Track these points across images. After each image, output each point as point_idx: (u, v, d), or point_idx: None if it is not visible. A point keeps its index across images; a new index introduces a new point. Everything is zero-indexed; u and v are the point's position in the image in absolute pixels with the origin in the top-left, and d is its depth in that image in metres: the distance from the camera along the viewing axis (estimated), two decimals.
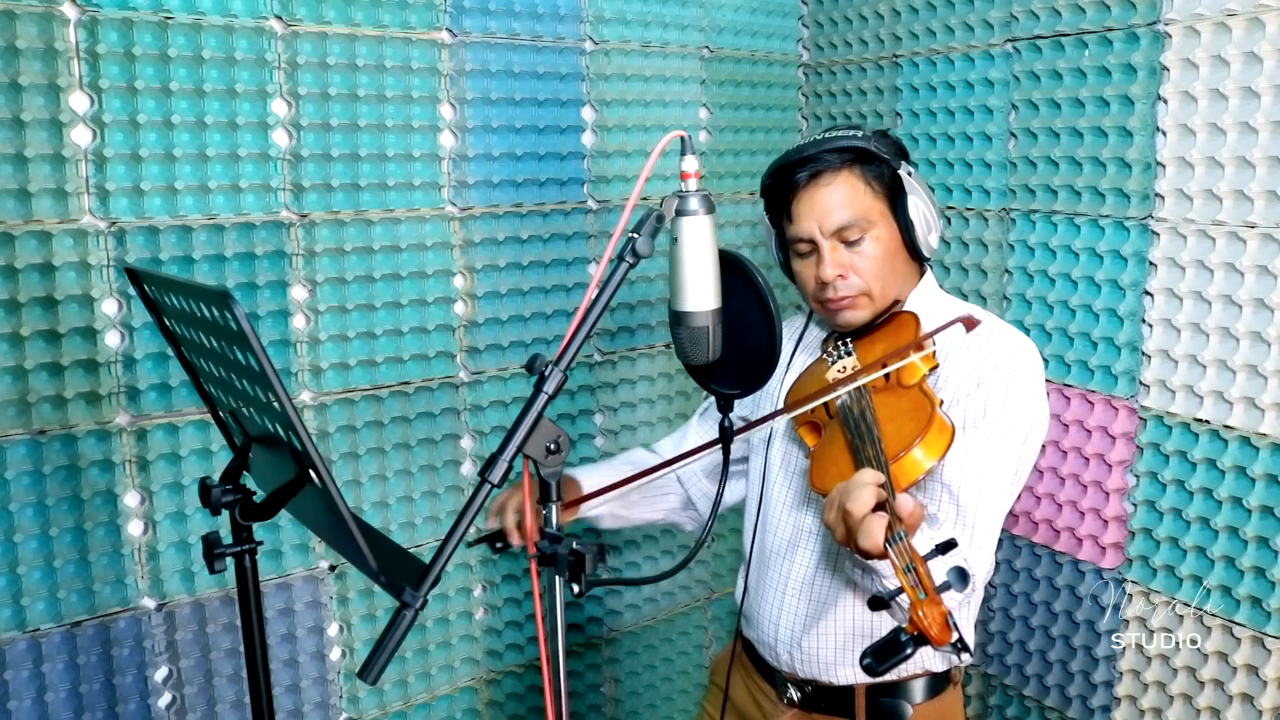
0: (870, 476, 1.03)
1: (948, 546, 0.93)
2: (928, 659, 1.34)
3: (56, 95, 1.40)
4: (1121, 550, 1.68)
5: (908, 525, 0.98)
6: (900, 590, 0.91)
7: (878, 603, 0.94)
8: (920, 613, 0.87)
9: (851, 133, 1.33)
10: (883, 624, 1.32)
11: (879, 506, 0.99)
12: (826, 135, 1.33)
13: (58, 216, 1.43)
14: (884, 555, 0.96)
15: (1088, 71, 1.67)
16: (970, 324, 1.25)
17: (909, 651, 0.87)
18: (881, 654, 0.88)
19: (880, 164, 1.32)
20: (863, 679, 1.35)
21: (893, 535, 0.95)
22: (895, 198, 1.33)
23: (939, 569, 0.93)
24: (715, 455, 1.55)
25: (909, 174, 1.33)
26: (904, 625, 0.89)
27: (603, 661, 2.16)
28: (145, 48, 1.46)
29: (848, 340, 1.37)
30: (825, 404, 1.27)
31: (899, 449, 1.12)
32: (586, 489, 1.49)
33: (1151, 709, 1.66)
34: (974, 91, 1.88)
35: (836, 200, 1.31)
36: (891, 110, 2.07)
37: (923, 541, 1.01)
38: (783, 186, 1.35)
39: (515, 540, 1.39)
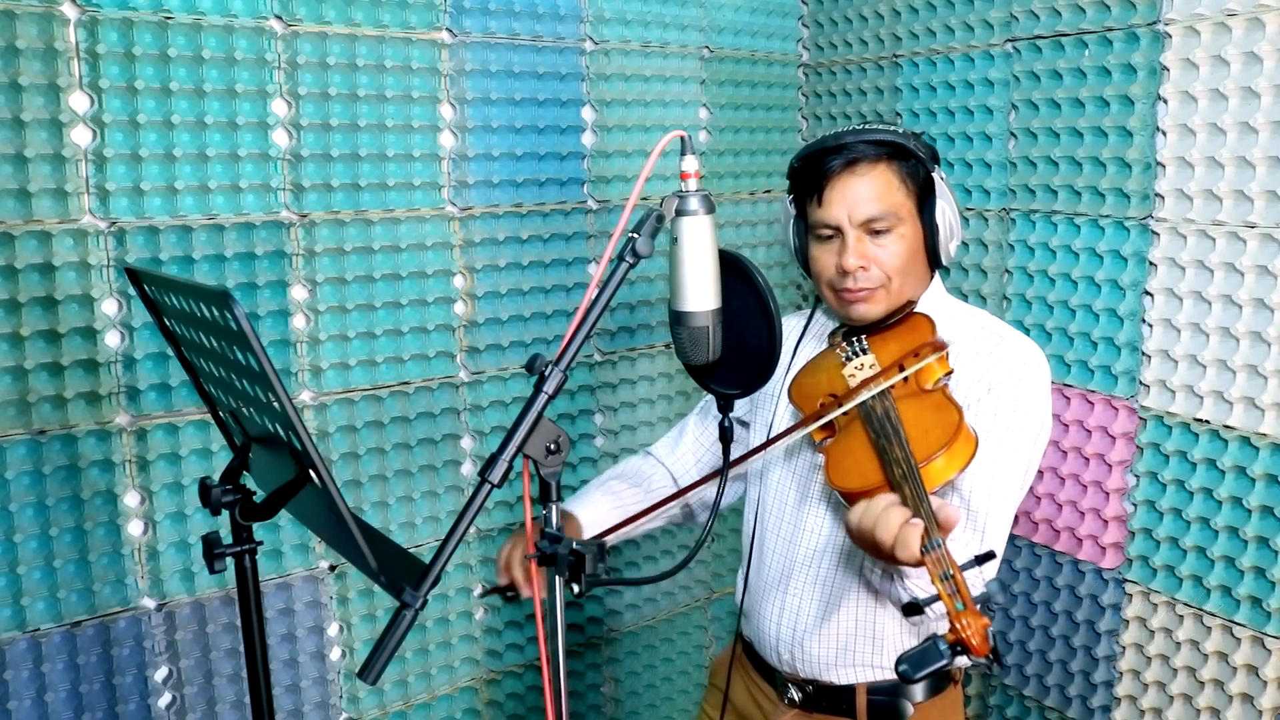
0: (887, 499, 1.03)
1: (986, 558, 0.93)
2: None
3: (56, 95, 1.40)
4: (1121, 550, 1.68)
5: (944, 531, 0.97)
6: (936, 597, 0.91)
7: (913, 609, 0.94)
8: (962, 622, 0.87)
9: (891, 128, 1.33)
10: (886, 626, 1.32)
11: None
12: (866, 126, 1.33)
13: (58, 216, 1.43)
14: (920, 563, 0.96)
15: (1088, 71, 1.67)
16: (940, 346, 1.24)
17: (946, 660, 0.87)
18: (919, 661, 0.88)
19: (916, 162, 1.32)
20: (864, 679, 1.35)
21: (929, 542, 0.95)
22: (925, 199, 1.33)
23: (976, 579, 0.92)
24: (715, 456, 1.55)
25: (942, 178, 1.33)
26: (942, 634, 0.88)
27: (603, 661, 2.16)
28: (145, 48, 1.46)
29: (861, 337, 1.36)
30: (839, 400, 1.26)
31: (925, 455, 1.11)
32: (587, 529, 1.42)
33: (1151, 709, 1.66)
34: (974, 91, 1.88)
35: (869, 191, 1.31)
36: (891, 110, 2.07)
37: (956, 551, 1.01)
38: (814, 171, 1.34)
39: (526, 592, 1.33)
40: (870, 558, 1.20)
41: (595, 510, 1.46)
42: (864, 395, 1.22)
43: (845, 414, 1.26)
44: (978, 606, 0.89)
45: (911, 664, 0.88)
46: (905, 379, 1.24)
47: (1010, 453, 1.26)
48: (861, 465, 1.16)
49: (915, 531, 0.97)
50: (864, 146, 1.31)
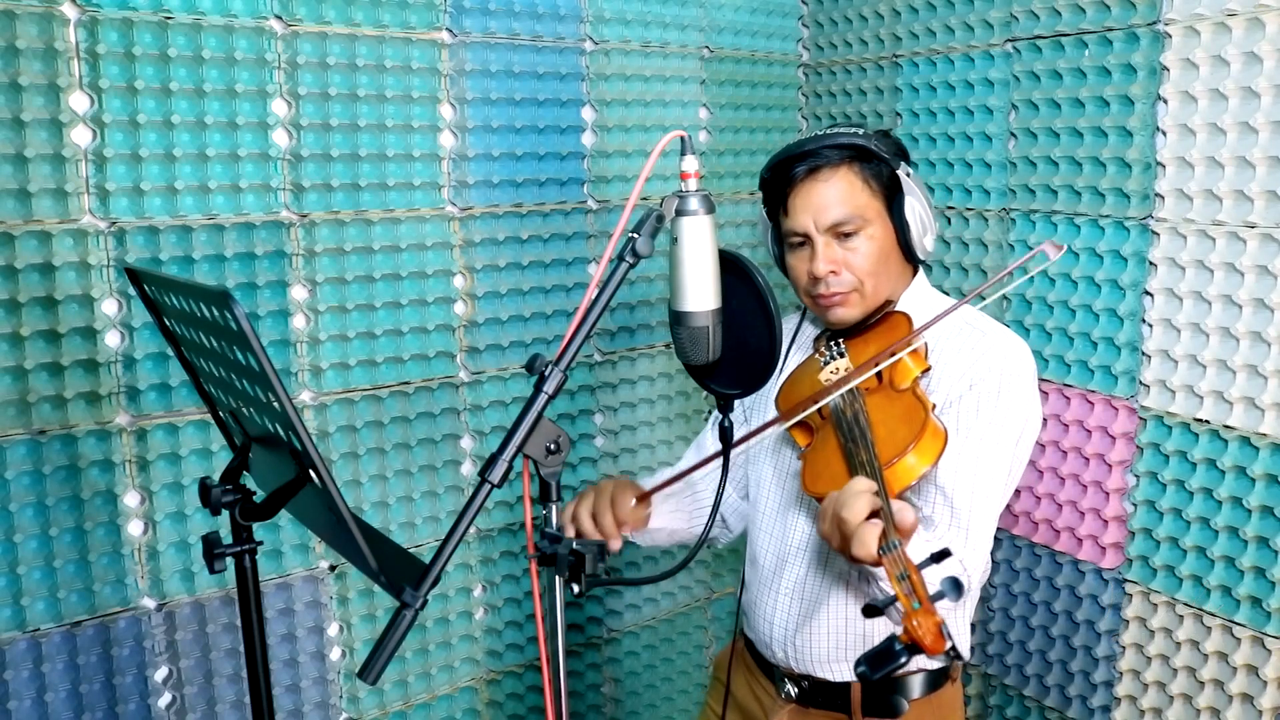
0: (863, 485, 1.03)
1: (942, 555, 0.93)
2: (923, 659, 1.34)
3: (56, 95, 1.40)
4: (1121, 550, 1.68)
5: (902, 532, 0.98)
6: (894, 598, 0.92)
7: (872, 610, 0.94)
8: (915, 622, 0.88)
9: (852, 130, 1.33)
10: (875, 623, 1.33)
11: (874, 514, 1.00)
12: (828, 132, 1.34)
13: (58, 216, 1.43)
14: (878, 563, 0.96)
15: (1088, 71, 1.67)
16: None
17: (903, 660, 0.87)
18: (875, 661, 0.88)
19: (879, 163, 1.32)
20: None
21: (887, 543, 0.96)
22: (893, 197, 1.33)
23: (934, 577, 0.93)
24: (736, 474, 1.55)
25: (908, 174, 1.33)
26: (898, 634, 0.89)
27: (603, 661, 2.16)
28: (145, 48, 1.46)
29: (840, 340, 1.37)
30: (813, 400, 1.27)
31: (892, 454, 1.12)
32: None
33: (1151, 709, 1.66)
34: (974, 91, 1.88)
35: (833, 196, 1.31)
36: (891, 110, 2.07)
37: (918, 549, 1.01)
38: (781, 180, 1.35)
39: (615, 544, 1.34)
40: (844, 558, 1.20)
41: (652, 480, 1.47)
42: (832, 395, 1.23)
43: (822, 419, 1.27)
44: (934, 604, 0.89)
45: (869, 664, 0.89)
46: (879, 379, 1.25)
47: (994, 449, 1.26)
48: (832, 469, 1.17)
49: (874, 530, 0.98)
50: (826, 152, 1.32)
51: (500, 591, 1.96)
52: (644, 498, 1.39)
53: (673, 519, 1.52)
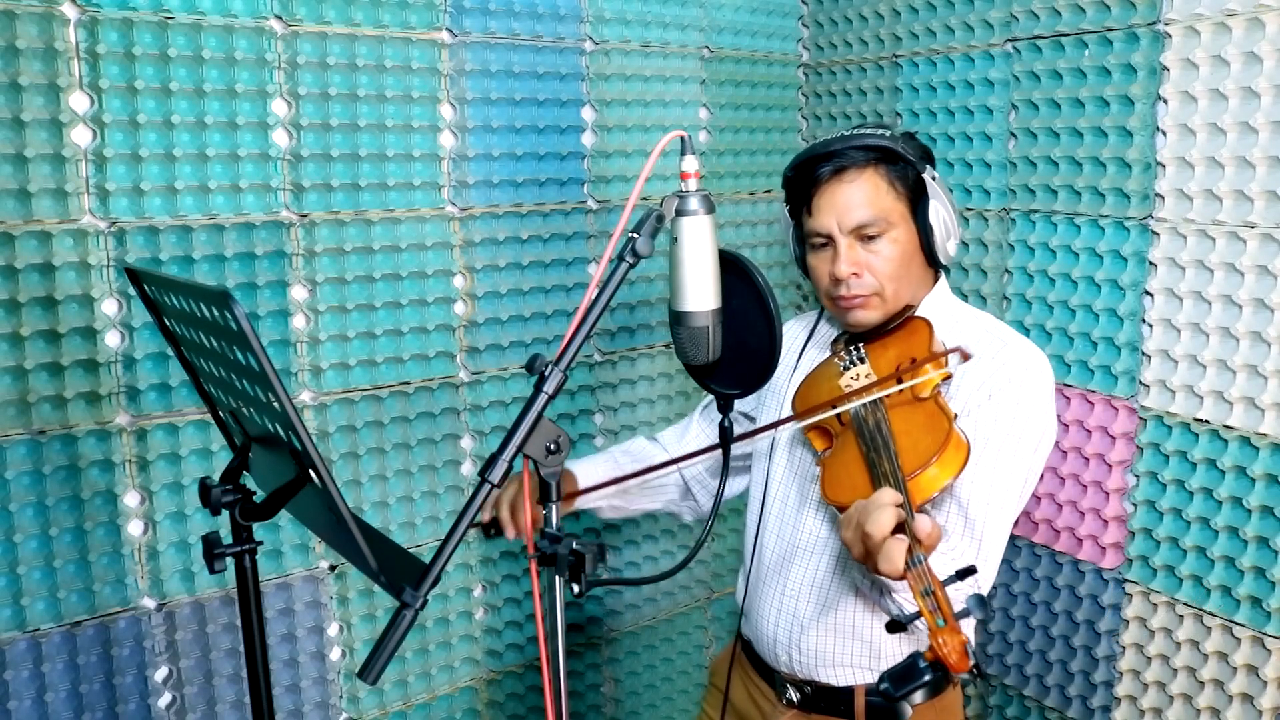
0: (889, 497, 1.02)
1: (967, 573, 0.93)
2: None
3: (56, 95, 1.40)
4: (1121, 550, 1.68)
5: (926, 547, 0.97)
6: (918, 614, 0.91)
7: (895, 626, 0.94)
8: (940, 640, 0.87)
9: (879, 132, 1.32)
10: (880, 631, 1.32)
11: (898, 528, 0.99)
12: (854, 132, 1.33)
13: (58, 216, 1.43)
14: (903, 578, 0.96)
15: (1088, 71, 1.67)
16: (965, 357, 1.23)
17: (927, 679, 0.87)
18: (899, 680, 0.88)
19: (905, 165, 1.32)
20: (861, 680, 1.35)
21: (912, 558, 0.95)
22: (917, 201, 1.33)
23: (957, 594, 0.92)
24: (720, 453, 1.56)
25: (933, 178, 1.32)
26: (923, 652, 0.88)
27: (603, 661, 2.16)
28: (145, 48, 1.46)
29: (859, 345, 1.36)
30: (832, 405, 1.27)
31: (916, 465, 1.11)
32: (582, 482, 1.48)
33: (1151, 709, 1.66)
34: (974, 91, 1.88)
35: (858, 198, 1.31)
36: (891, 110, 2.07)
37: (941, 565, 1.00)
38: (805, 179, 1.34)
39: (510, 532, 1.35)
40: (861, 568, 1.19)
41: (593, 470, 1.51)
42: (853, 404, 1.23)
43: (842, 425, 1.26)
44: (959, 622, 0.89)
45: (893, 682, 0.88)
46: (900, 388, 1.25)
47: (1010, 460, 1.26)
48: (854, 479, 1.16)
49: (901, 546, 0.97)
50: (852, 153, 1.31)
51: (500, 591, 1.96)
52: (570, 497, 1.42)
53: (619, 499, 1.53)
